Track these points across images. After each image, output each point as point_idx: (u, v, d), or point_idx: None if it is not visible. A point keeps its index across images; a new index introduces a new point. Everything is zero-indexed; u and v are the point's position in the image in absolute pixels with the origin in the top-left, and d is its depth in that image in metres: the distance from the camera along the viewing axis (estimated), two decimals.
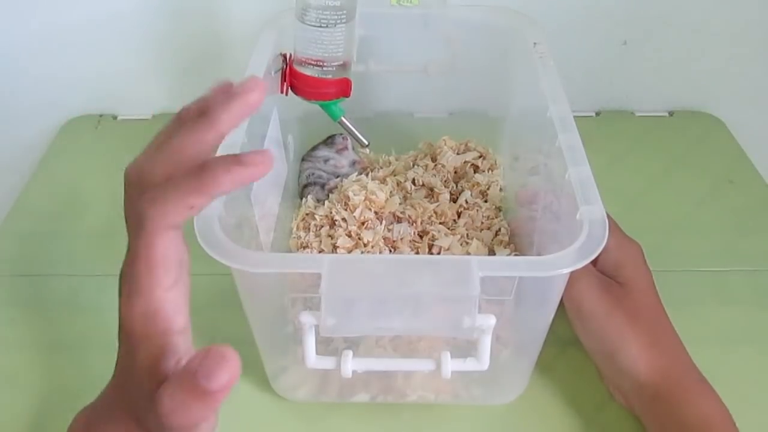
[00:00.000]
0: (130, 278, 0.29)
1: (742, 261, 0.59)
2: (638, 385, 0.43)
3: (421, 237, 0.55)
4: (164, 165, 0.29)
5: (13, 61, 0.73)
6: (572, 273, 0.36)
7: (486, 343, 0.38)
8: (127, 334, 0.29)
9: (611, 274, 0.46)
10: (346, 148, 0.62)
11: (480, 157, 0.63)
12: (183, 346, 0.31)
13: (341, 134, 0.62)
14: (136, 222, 0.28)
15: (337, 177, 0.61)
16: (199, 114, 0.30)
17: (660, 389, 0.42)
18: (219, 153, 0.41)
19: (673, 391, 0.42)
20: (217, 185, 0.27)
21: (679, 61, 0.74)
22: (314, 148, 0.63)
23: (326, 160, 0.62)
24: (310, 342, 0.39)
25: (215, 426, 0.31)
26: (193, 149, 0.28)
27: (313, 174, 0.61)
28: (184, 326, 0.31)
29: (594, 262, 0.46)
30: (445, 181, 0.61)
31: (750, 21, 0.71)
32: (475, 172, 0.62)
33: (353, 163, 0.63)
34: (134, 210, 0.29)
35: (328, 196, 0.60)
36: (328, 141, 0.63)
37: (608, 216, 0.37)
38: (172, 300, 0.30)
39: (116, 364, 0.32)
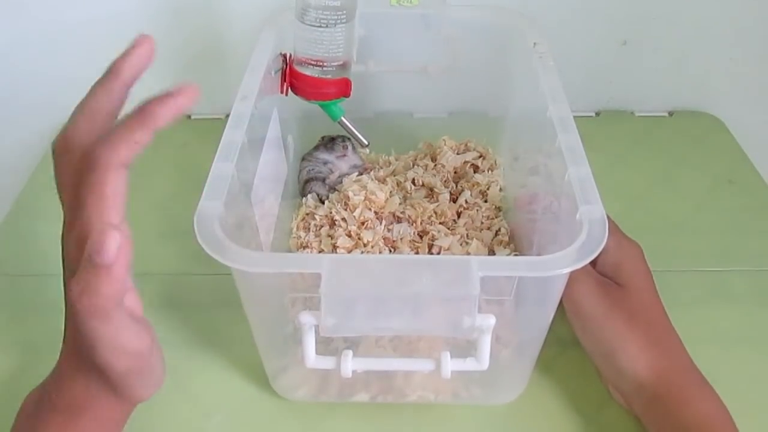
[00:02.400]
0: (76, 211, 0.32)
1: (742, 261, 0.59)
2: (637, 386, 0.43)
3: (420, 237, 0.55)
4: (86, 123, 0.34)
5: (13, 61, 0.73)
6: (571, 274, 0.36)
7: (486, 343, 0.38)
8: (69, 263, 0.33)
9: (611, 275, 0.46)
10: (345, 155, 0.62)
11: (480, 157, 0.63)
12: (128, 281, 0.33)
13: (342, 138, 0.62)
14: (84, 167, 0.31)
15: (337, 175, 0.61)
16: (105, 75, 0.34)
17: (659, 390, 0.42)
18: (220, 151, 0.42)
19: (673, 392, 0.42)
20: (156, 118, 0.32)
21: (679, 61, 0.74)
22: (316, 149, 0.63)
23: (325, 163, 0.62)
24: (310, 342, 0.39)
25: (154, 372, 0.35)
26: (105, 101, 0.34)
27: (313, 170, 0.61)
28: (127, 261, 0.32)
29: (593, 263, 0.46)
30: (445, 181, 0.61)
31: (750, 21, 0.71)
32: (474, 172, 0.62)
33: (353, 167, 0.62)
34: (71, 171, 0.33)
35: (329, 192, 0.60)
36: (329, 145, 0.62)
37: (608, 217, 0.37)
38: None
39: (65, 336, 0.36)
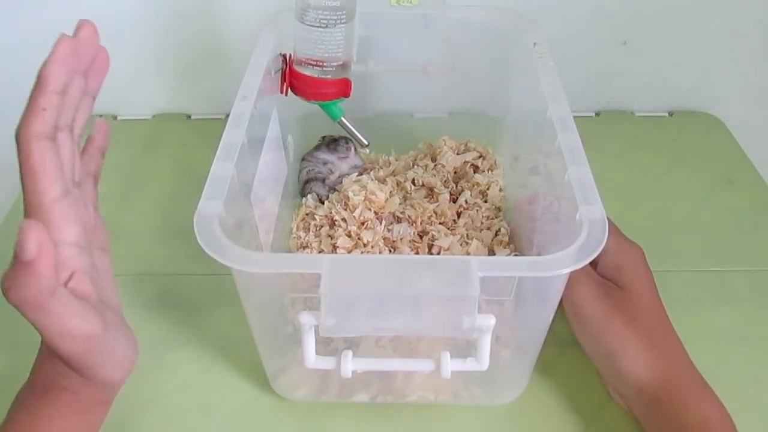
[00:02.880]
0: (24, 196, 0.33)
1: (742, 261, 0.59)
2: (638, 388, 0.43)
3: (420, 237, 0.55)
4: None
5: (13, 60, 0.73)
6: (571, 275, 0.36)
7: (486, 343, 0.38)
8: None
9: (611, 277, 0.46)
10: (347, 156, 0.62)
11: (480, 157, 0.63)
12: (78, 260, 0.34)
13: (345, 140, 0.62)
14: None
15: (337, 175, 0.61)
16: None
17: (659, 392, 0.42)
18: (220, 151, 0.42)
19: (673, 395, 0.42)
20: (50, 78, 0.33)
21: (679, 61, 0.74)
22: (317, 148, 0.63)
23: (325, 163, 0.61)
24: (310, 342, 0.39)
25: (116, 352, 0.35)
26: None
27: (313, 170, 0.61)
28: (76, 239, 0.34)
29: (594, 265, 0.46)
30: (445, 181, 0.61)
31: (750, 21, 0.71)
32: (474, 172, 0.62)
33: (353, 167, 0.62)
34: None
35: (329, 192, 0.60)
36: (331, 146, 0.62)
37: (608, 219, 0.37)
38: (60, 211, 0.33)
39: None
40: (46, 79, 0.33)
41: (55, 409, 0.36)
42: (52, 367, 0.36)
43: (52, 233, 0.32)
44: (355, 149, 0.62)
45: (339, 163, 0.61)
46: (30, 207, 0.33)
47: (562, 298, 0.42)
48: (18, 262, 0.29)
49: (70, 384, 0.36)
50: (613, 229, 0.47)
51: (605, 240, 0.36)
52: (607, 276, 0.46)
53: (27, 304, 0.30)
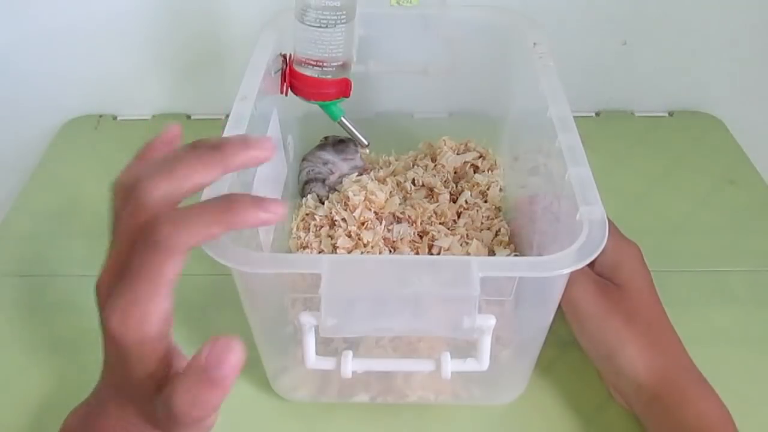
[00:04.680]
0: (127, 292, 0.29)
1: (742, 261, 0.59)
2: (637, 386, 0.43)
3: (420, 237, 0.55)
4: (164, 182, 0.29)
5: (13, 61, 0.73)
6: (570, 276, 0.36)
7: (486, 344, 0.38)
8: (117, 342, 0.29)
9: (608, 275, 0.46)
10: (353, 158, 0.62)
11: (480, 157, 0.63)
12: (171, 348, 0.32)
13: (354, 143, 0.61)
14: (143, 237, 0.29)
15: (337, 176, 0.61)
16: (212, 148, 0.31)
17: (659, 390, 0.42)
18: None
19: (672, 392, 0.42)
20: (243, 221, 0.29)
21: (679, 61, 0.74)
22: (320, 148, 0.62)
23: (325, 163, 0.61)
24: (310, 342, 0.39)
25: (216, 416, 0.32)
26: (198, 177, 0.30)
27: (312, 170, 0.61)
28: (168, 330, 0.31)
29: (591, 265, 0.46)
30: (445, 181, 0.61)
31: (750, 21, 0.71)
32: (475, 172, 0.62)
33: (354, 168, 0.62)
34: (133, 222, 0.29)
35: (329, 192, 0.60)
36: (338, 147, 0.61)
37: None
38: (165, 312, 0.30)
39: (104, 365, 0.33)
40: (242, 218, 0.29)
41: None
42: (124, 417, 0.33)
43: (156, 329, 0.30)
44: (358, 151, 0.62)
45: (341, 164, 0.61)
46: (133, 302, 0.29)
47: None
48: (206, 378, 0.28)
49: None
50: (611, 228, 0.47)
51: (605, 240, 0.36)
52: (605, 274, 0.46)
53: (200, 421, 0.29)
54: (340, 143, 0.62)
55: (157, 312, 0.29)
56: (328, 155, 0.62)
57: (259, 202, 0.30)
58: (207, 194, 0.36)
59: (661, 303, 0.45)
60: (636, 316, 0.44)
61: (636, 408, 0.44)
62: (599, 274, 0.46)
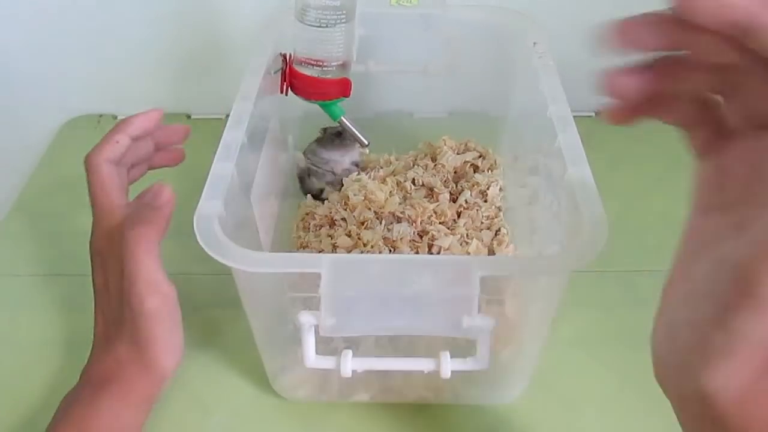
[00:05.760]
0: (95, 208, 0.42)
1: None
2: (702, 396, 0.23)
3: (420, 237, 0.55)
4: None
5: (13, 61, 0.73)
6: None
7: (486, 343, 0.38)
8: (99, 252, 0.42)
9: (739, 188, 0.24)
10: (353, 150, 0.62)
11: (480, 157, 0.63)
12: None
13: (332, 128, 0.61)
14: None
15: (336, 174, 0.61)
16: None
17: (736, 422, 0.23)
18: (220, 151, 0.42)
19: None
20: (134, 124, 0.44)
21: None
22: (319, 144, 0.62)
23: (326, 162, 0.61)
24: (310, 342, 0.39)
25: (175, 332, 0.40)
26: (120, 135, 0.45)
27: (312, 168, 0.61)
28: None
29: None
30: (445, 181, 0.61)
31: None
32: (474, 172, 0.62)
33: (353, 163, 0.62)
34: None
35: (332, 188, 0.60)
36: (336, 141, 0.61)
37: None
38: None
39: (94, 293, 0.42)
40: (130, 122, 0.44)
41: (106, 402, 0.39)
42: (115, 357, 0.40)
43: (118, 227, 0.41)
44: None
45: (341, 159, 0.61)
46: (102, 214, 0.42)
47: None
48: (150, 207, 0.41)
49: (129, 374, 0.39)
50: None
51: (605, 239, 0.36)
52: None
53: (144, 239, 0.38)
54: (337, 137, 0.62)
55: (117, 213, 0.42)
56: (327, 153, 0.61)
57: (143, 113, 0.45)
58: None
59: None
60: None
61: (685, 418, 0.25)
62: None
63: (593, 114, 0.76)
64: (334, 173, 0.61)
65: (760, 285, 0.20)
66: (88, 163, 0.42)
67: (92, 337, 0.42)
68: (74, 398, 0.40)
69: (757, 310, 0.20)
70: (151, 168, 0.48)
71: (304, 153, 0.63)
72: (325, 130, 0.62)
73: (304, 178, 0.62)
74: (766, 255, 0.20)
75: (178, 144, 0.49)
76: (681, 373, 0.24)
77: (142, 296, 0.38)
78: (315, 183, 0.61)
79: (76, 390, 0.41)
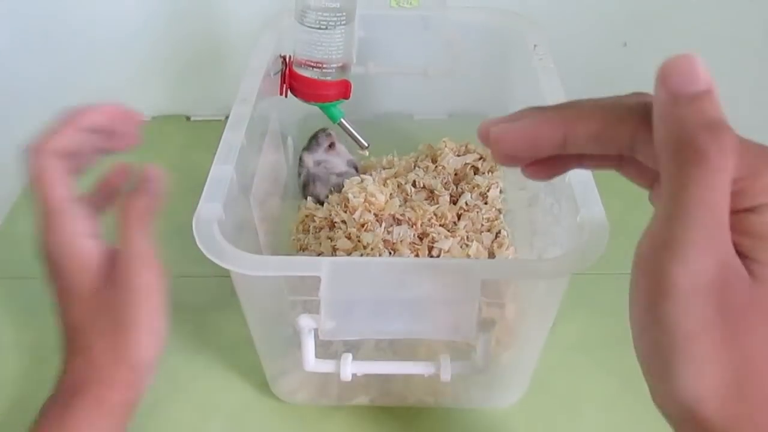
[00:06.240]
0: (38, 205, 0.38)
1: None
2: (688, 414, 0.24)
3: (421, 239, 0.55)
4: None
5: (13, 61, 0.72)
6: (665, 234, 0.24)
7: (486, 346, 0.38)
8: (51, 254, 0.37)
9: (748, 246, 0.23)
10: (333, 144, 0.61)
11: (480, 159, 0.63)
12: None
13: (322, 130, 0.61)
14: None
15: (337, 175, 0.61)
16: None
17: None
18: (220, 153, 0.42)
19: None
20: (85, 117, 0.39)
21: None
22: (308, 150, 0.62)
23: (318, 163, 0.61)
24: (310, 345, 0.39)
25: (157, 316, 0.37)
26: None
27: (309, 173, 0.61)
28: (92, 230, 0.38)
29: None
30: (445, 183, 0.61)
31: (750, 21, 0.70)
32: (475, 174, 0.62)
33: (349, 162, 0.62)
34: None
35: (331, 191, 0.60)
36: (312, 145, 0.61)
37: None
38: (72, 209, 0.37)
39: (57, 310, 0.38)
40: (81, 114, 0.39)
41: (82, 412, 0.35)
42: (86, 359, 0.36)
43: (66, 226, 0.36)
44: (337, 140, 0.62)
45: (333, 159, 0.61)
46: (45, 210, 0.37)
47: (638, 277, 0.25)
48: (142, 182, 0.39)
49: (100, 376, 0.35)
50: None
51: (605, 242, 0.35)
52: (744, 230, 0.23)
53: (132, 218, 0.37)
54: (312, 140, 0.62)
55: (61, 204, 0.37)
56: (314, 156, 0.61)
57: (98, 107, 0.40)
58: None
59: None
60: (746, 336, 0.23)
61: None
62: (742, 231, 0.23)
63: None
64: (336, 174, 0.61)
65: (670, 276, 0.22)
66: (31, 155, 0.39)
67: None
68: (46, 414, 0.36)
69: (673, 301, 0.22)
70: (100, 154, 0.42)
71: (301, 158, 0.62)
72: (317, 135, 0.62)
73: (308, 183, 0.61)
74: (672, 255, 0.22)
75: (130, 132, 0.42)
76: (665, 396, 0.24)
77: (137, 269, 0.36)
78: (320, 189, 0.61)
79: (49, 404, 0.36)
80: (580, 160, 0.28)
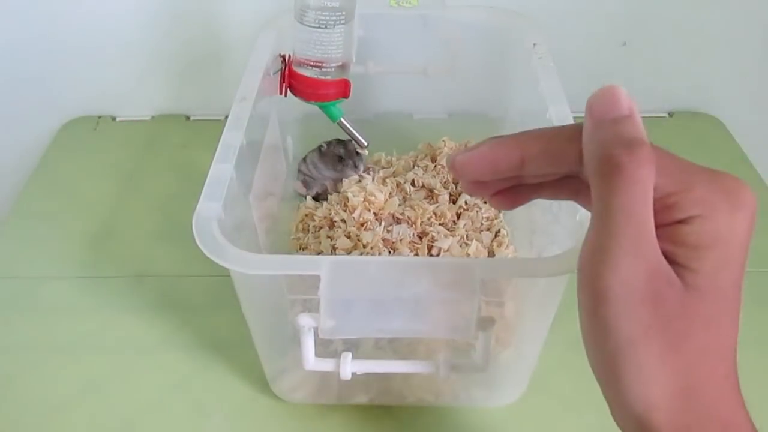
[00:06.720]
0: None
1: None
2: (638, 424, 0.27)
3: (420, 238, 0.55)
4: None
5: (13, 61, 0.72)
6: (604, 242, 0.24)
7: (485, 345, 0.38)
8: None
9: (683, 253, 0.24)
10: (348, 174, 0.61)
11: None
12: None
13: (352, 159, 0.60)
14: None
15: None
16: None
17: None
18: (219, 153, 0.42)
19: None
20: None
21: (679, 61, 0.73)
22: (323, 160, 0.61)
23: (326, 179, 0.61)
24: (309, 344, 0.39)
25: None
26: None
27: (311, 177, 0.61)
28: None
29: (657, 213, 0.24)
30: (445, 182, 0.61)
31: (750, 21, 0.71)
32: None
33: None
34: None
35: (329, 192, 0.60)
36: (338, 167, 0.60)
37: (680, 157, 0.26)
38: None
39: None
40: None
41: None
42: None
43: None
44: (362, 160, 0.61)
45: (335, 178, 0.61)
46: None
47: (579, 285, 0.25)
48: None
49: None
50: (696, 168, 0.27)
51: None
52: (674, 249, 0.24)
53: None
54: (339, 162, 0.60)
55: None
56: (329, 173, 0.61)
57: None
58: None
59: (737, 327, 0.28)
60: (686, 343, 0.25)
61: None
62: (668, 239, 0.24)
63: None
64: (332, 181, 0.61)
65: (603, 281, 0.24)
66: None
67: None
68: None
69: (609, 305, 0.24)
70: None
71: (304, 159, 0.62)
72: (329, 144, 0.62)
73: (307, 181, 0.61)
74: (603, 260, 0.24)
75: None
76: (620, 409, 0.28)
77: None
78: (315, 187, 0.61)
79: None
80: (538, 190, 0.30)
